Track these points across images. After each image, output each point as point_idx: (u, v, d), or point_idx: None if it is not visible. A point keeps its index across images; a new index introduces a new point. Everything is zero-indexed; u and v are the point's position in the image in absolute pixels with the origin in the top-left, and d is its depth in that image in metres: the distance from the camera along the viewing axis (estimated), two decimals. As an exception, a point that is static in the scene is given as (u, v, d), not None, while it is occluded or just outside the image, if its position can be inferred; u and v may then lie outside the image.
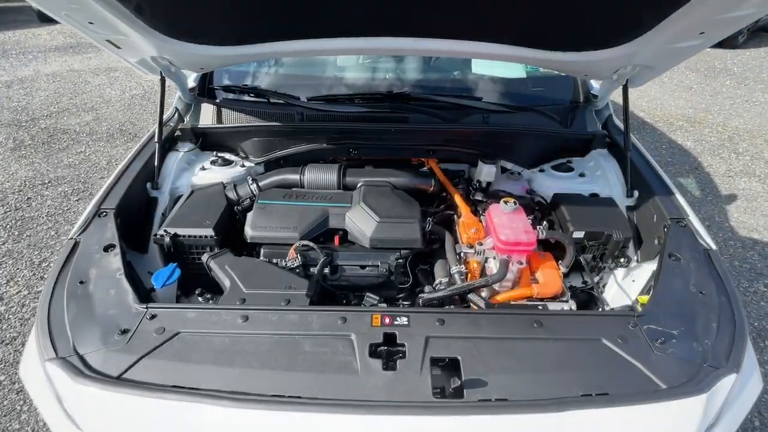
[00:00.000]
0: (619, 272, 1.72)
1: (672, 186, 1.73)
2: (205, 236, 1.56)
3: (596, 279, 1.74)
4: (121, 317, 1.22)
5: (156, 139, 1.83)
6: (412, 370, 1.11)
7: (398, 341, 1.17)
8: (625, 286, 1.69)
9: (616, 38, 1.53)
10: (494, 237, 1.58)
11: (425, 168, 2.05)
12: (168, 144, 1.97)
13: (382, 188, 1.78)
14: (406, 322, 1.22)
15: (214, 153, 2.04)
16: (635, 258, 1.70)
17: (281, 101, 2.02)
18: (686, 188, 4.35)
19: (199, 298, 1.44)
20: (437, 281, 1.61)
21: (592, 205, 1.78)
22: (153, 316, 1.22)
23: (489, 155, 1.95)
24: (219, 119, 2.05)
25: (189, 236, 1.55)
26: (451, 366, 1.14)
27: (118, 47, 1.57)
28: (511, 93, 2.18)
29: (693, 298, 1.30)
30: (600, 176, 1.94)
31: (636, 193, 1.81)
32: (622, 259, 1.69)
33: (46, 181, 4.12)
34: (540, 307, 1.38)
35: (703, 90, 6.64)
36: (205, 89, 2.19)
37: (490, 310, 1.32)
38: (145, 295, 1.41)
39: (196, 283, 1.59)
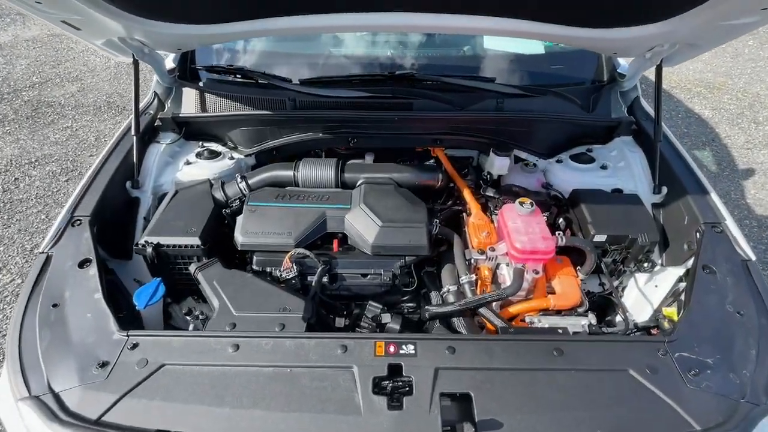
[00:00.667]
0: (641, 276, 1.60)
1: (707, 184, 1.56)
2: (191, 246, 1.42)
3: (616, 283, 1.62)
4: (99, 346, 1.11)
5: (133, 132, 1.64)
6: (420, 409, 1.01)
7: (404, 373, 1.07)
8: (647, 291, 1.57)
9: (657, 13, 1.31)
10: (508, 243, 1.44)
11: (431, 161, 1.87)
12: (148, 135, 1.78)
13: (384, 187, 1.62)
14: (413, 351, 1.10)
15: (200, 144, 1.86)
16: (660, 262, 1.57)
17: (271, 83, 1.81)
18: (702, 162, 4.15)
19: (188, 318, 1.33)
20: (444, 289, 1.49)
21: (615, 203, 1.62)
22: (134, 345, 1.11)
23: (502, 145, 1.77)
24: (203, 105, 1.85)
25: (173, 246, 1.41)
26: (462, 397, 1.04)
27: (77, 29, 1.36)
28: (527, 72, 1.96)
29: (729, 319, 1.18)
30: (624, 168, 1.76)
31: (664, 190, 1.65)
32: (645, 264, 1.56)
33: (33, 160, 3.94)
34: (560, 330, 1.26)
35: (723, 51, 6.22)
36: (187, 70, 1.97)
37: (505, 336, 1.21)
38: (129, 313, 1.29)
39: (186, 288, 1.47)
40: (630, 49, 1.58)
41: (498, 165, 1.75)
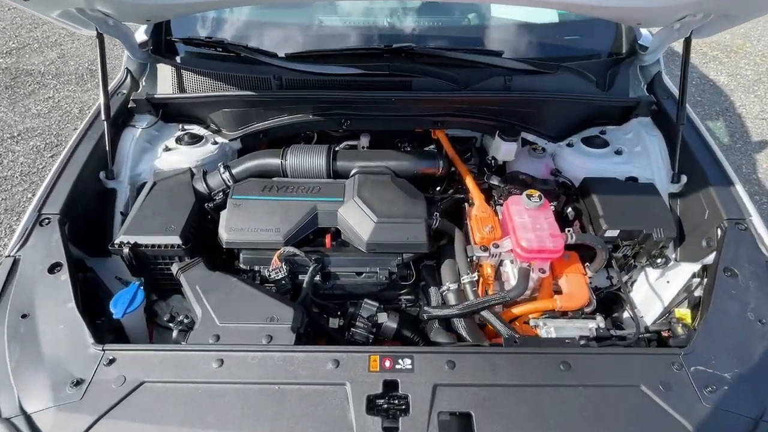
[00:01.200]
0: (653, 271, 1.51)
1: (733, 174, 1.43)
2: (172, 245, 1.31)
3: (625, 278, 1.53)
4: (73, 362, 1.04)
5: (103, 117, 1.49)
6: (417, 430, 0.94)
7: (400, 390, 1.00)
8: (657, 287, 1.48)
9: None
10: (514, 241, 1.34)
11: (431, 146, 1.72)
12: (122, 119, 1.63)
13: (379, 177, 1.49)
14: (410, 366, 1.03)
15: (180, 126, 1.71)
16: (674, 257, 1.47)
17: (255, 57, 1.63)
18: (714, 133, 3.97)
19: (171, 324, 1.25)
20: (444, 287, 1.40)
21: (630, 193, 1.50)
22: (111, 361, 1.04)
23: (508, 128, 1.62)
24: (181, 84, 1.68)
25: (152, 246, 1.31)
26: (462, 416, 0.97)
27: None
28: (539, 43, 1.77)
29: (750, 328, 1.10)
30: (640, 153, 1.63)
31: (684, 179, 1.52)
32: (659, 260, 1.46)
33: (15, 134, 3.77)
34: (567, 341, 1.18)
35: (743, 10, 5.84)
36: (162, 43, 1.78)
37: (509, 349, 1.13)
38: (109, 318, 1.21)
39: (171, 287, 1.39)
40: (657, 19, 1.41)
41: (504, 150, 1.61)
